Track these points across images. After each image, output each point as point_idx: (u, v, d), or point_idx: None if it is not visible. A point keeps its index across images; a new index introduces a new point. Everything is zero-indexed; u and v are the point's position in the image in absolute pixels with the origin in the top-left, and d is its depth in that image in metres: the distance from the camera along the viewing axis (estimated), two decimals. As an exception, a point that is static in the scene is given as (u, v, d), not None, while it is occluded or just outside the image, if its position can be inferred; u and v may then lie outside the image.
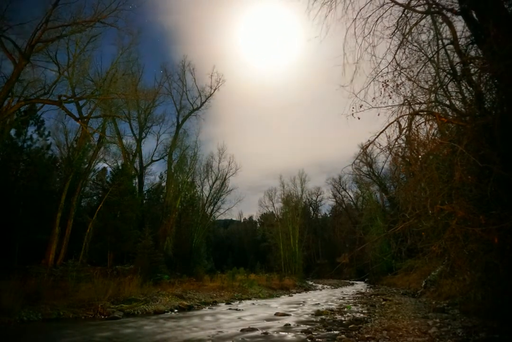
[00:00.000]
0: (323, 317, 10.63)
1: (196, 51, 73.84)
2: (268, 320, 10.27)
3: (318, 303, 15.53)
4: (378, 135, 7.04)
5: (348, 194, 53.21)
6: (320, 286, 33.50)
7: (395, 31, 7.95)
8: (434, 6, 7.73)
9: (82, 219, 20.27)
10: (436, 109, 7.57)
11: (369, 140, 7.23)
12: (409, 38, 8.08)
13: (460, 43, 7.62)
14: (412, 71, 7.77)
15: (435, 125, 6.82)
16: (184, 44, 75.81)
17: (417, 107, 7.34)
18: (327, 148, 79.97)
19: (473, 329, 6.95)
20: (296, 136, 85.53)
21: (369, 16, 7.79)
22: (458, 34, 7.67)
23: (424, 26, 8.25)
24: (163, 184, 31.51)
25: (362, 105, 7.07)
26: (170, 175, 28.93)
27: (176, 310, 12.89)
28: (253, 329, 8.42)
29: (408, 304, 13.32)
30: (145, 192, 30.66)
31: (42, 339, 7.64)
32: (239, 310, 13.19)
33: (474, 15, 7.20)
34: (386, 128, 7.00)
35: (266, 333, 7.96)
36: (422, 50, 8.37)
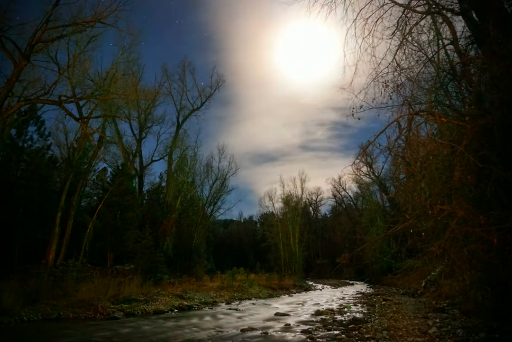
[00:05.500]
0: (323, 317, 10.63)
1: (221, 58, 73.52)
2: (268, 320, 10.27)
3: (318, 303, 15.53)
4: (378, 136, 7.06)
5: (348, 194, 53.17)
6: (320, 286, 33.50)
7: (395, 31, 7.96)
8: (434, 6, 7.74)
9: (82, 219, 20.24)
10: (436, 109, 7.58)
11: (368, 141, 7.25)
12: (409, 38, 8.10)
13: (460, 43, 7.63)
14: (412, 72, 7.77)
15: (435, 126, 6.83)
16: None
17: (417, 108, 7.35)
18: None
19: (473, 329, 6.95)
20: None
21: (369, 16, 7.81)
22: (458, 34, 7.68)
23: (424, 26, 8.27)
24: (163, 184, 31.47)
25: (362, 105, 7.09)
26: (170, 175, 28.92)
27: (176, 310, 12.89)
28: (253, 329, 8.42)
29: (408, 304, 13.32)
30: (145, 192, 30.65)
31: (42, 339, 7.64)
32: (239, 310, 13.19)
33: (474, 15, 7.20)
34: (386, 128, 7.02)
35: (266, 333, 7.96)
36: (422, 51, 8.39)
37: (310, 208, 62.28)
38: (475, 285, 7.90)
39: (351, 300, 16.93)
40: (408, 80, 7.58)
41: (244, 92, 73.58)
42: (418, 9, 7.92)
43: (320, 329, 8.27)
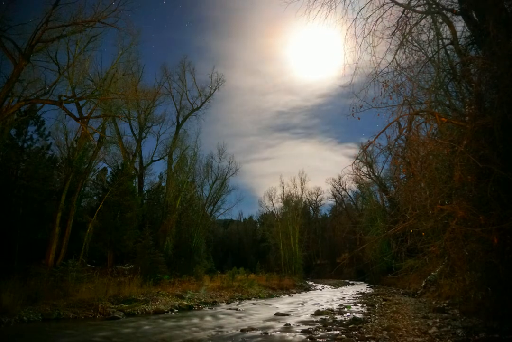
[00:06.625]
0: (323, 317, 10.63)
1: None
2: (268, 320, 10.27)
3: (318, 303, 15.53)
4: (378, 136, 7.05)
5: (348, 194, 53.16)
6: (320, 286, 33.50)
7: (395, 31, 7.96)
8: (434, 6, 7.75)
9: (82, 219, 20.23)
10: (436, 109, 7.58)
11: (369, 141, 7.25)
12: (409, 38, 8.11)
13: (460, 43, 7.63)
14: (412, 72, 7.77)
15: (435, 125, 6.82)
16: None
17: (417, 107, 7.34)
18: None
19: (473, 329, 6.95)
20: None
21: (369, 16, 7.81)
22: (458, 34, 7.69)
23: (424, 26, 8.27)
24: (163, 184, 31.47)
25: (362, 105, 7.08)
26: (170, 175, 28.89)
27: (176, 310, 12.89)
28: (253, 329, 8.43)
29: (408, 304, 13.32)
30: (145, 192, 30.62)
31: (42, 339, 7.64)
32: (239, 310, 13.19)
33: (474, 15, 7.20)
34: (386, 128, 7.01)
35: (266, 333, 7.97)
36: (422, 50, 8.39)
37: (310, 208, 62.32)
38: (475, 285, 7.90)
39: (351, 300, 16.93)
40: (408, 80, 7.56)
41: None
42: (418, 9, 7.93)
43: (320, 329, 8.27)
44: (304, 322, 9.63)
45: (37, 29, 13.62)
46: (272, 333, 8.02)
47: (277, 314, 11.50)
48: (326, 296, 20.36)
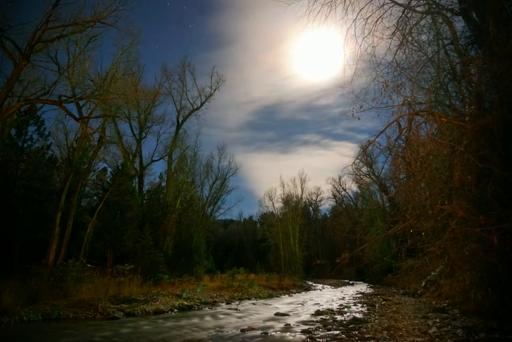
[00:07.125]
0: (323, 317, 10.63)
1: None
2: (268, 320, 10.27)
3: (318, 303, 15.53)
4: (378, 136, 7.05)
5: (348, 194, 53.18)
6: (320, 286, 33.50)
7: (395, 31, 7.97)
8: (434, 6, 7.75)
9: (82, 219, 20.24)
10: (436, 109, 7.58)
11: (369, 141, 7.25)
12: (409, 38, 8.11)
13: (460, 43, 7.64)
14: (412, 72, 7.77)
15: (435, 125, 6.82)
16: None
17: (417, 107, 7.34)
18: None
19: (473, 329, 6.95)
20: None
21: (369, 16, 7.82)
22: (458, 34, 7.70)
23: (424, 26, 8.29)
24: (163, 184, 31.49)
25: (362, 105, 7.08)
26: (170, 175, 28.90)
27: (176, 310, 12.89)
28: (253, 329, 8.42)
29: (408, 304, 13.32)
30: (145, 192, 30.62)
31: (42, 339, 7.63)
32: (239, 310, 13.19)
33: (474, 15, 7.21)
34: (386, 128, 7.01)
35: (266, 333, 7.97)
36: (422, 50, 8.40)
37: (310, 208, 62.32)
38: (475, 285, 7.90)
39: (351, 300, 16.93)
40: (408, 80, 7.56)
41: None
42: (418, 9, 7.94)
43: (320, 329, 8.27)
44: (304, 322, 9.63)
45: (37, 29, 13.62)
46: (272, 333, 8.02)
47: (277, 314, 11.50)
48: (326, 296, 20.36)
